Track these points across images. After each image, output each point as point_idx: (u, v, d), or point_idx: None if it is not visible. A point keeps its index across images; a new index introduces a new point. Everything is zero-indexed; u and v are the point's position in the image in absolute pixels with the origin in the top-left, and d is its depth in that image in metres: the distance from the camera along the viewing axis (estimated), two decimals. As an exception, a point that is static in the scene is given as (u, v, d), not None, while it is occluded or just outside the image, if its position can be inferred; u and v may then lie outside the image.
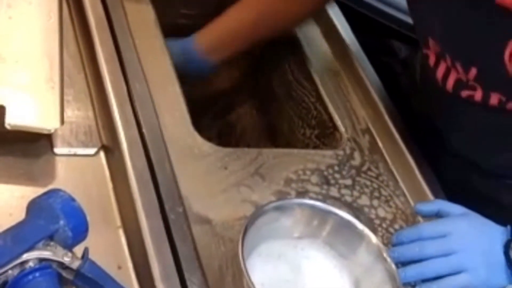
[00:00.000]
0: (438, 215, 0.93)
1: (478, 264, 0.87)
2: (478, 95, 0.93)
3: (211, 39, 1.15)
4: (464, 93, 0.94)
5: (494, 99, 0.91)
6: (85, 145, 0.90)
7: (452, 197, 0.98)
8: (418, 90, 1.14)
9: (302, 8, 1.16)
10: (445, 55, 0.94)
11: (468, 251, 0.87)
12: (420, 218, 0.97)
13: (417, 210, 0.96)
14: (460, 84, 0.94)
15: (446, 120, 1.05)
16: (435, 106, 1.06)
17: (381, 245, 0.83)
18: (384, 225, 0.95)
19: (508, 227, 0.89)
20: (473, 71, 0.90)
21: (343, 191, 0.97)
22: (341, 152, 1.03)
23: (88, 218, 0.74)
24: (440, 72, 0.97)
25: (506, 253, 0.87)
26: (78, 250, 0.73)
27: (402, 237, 0.90)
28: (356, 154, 1.04)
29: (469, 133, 1.01)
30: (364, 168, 1.02)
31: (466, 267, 0.86)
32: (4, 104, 0.80)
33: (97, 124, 0.92)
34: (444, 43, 0.93)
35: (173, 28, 1.15)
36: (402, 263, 0.86)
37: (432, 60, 0.98)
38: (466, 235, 0.89)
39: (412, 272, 0.85)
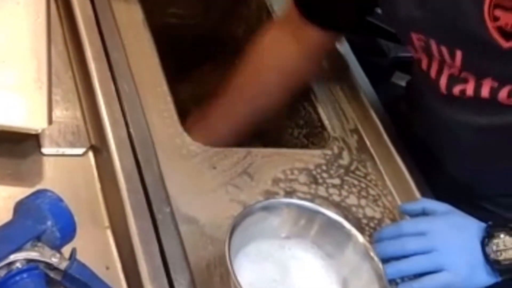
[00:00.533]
0: (424, 214, 0.93)
1: (459, 262, 0.87)
2: (470, 87, 0.93)
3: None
4: (457, 89, 0.95)
5: (485, 88, 0.92)
6: (73, 145, 0.89)
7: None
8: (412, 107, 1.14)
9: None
10: (430, 45, 0.94)
11: (449, 249, 0.87)
12: (408, 218, 0.97)
13: (402, 210, 0.96)
14: (452, 80, 0.95)
15: (438, 135, 1.05)
16: (426, 118, 1.07)
17: (367, 245, 0.83)
18: (371, 225, 0.96)
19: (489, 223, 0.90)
20: (459, 55, 0.91)
21: (331, 190, 0.98)
22: (329, 152, 1.04)
23: (76, 218, 0.74)
24: (433, 71, 0.97)
25: (483, 249, 0.87)
26: (66, 250, 0.73)
27: (383, 234, 0.90)
28: (344, 154, 1.04)
29: (460, 146, 1.02)
30: (352, 168, 1.03)
31: (447, 265, 0.87)
32: (-8, 104, 0.81)
33: (85, 124, 0.92)
34: (426, 28, 0.93)
35: (161, 27, 1.15)
36: (383, 260, 0.86)
37: (424, 63, 0.98)
38: (447, 233, 0.89)
39: (393, 269, 0.85)
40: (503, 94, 0.91)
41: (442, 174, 1.06)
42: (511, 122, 0.94)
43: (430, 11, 0.91)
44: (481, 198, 1.07)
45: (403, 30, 0.99)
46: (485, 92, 0.92)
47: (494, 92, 0.92)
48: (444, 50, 0.93)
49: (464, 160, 1.03)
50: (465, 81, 0.94)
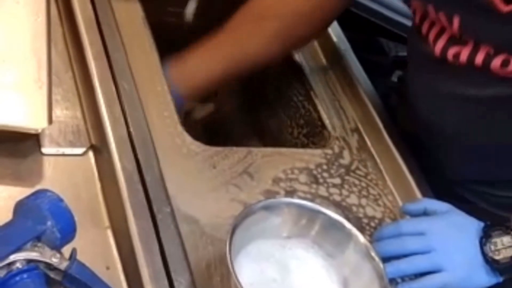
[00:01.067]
0: (425, 214, 0.93)
1: (458, 262, 0.87)
2: (465, 51, 0.91)
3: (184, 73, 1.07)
4: (451, 52, 0.92)
5: (481, 54, 0.90)
6: (73, 145, 0.89)
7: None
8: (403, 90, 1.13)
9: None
10: (428, 12, 0.93)
11: (447, 249, 0.87)
12: (408, 217, 0.97)
13: (405, 210, 0.96)
14: (451, 41, 0.93)
15: (426, 113, 1.03)
16: (416, 100, 1.05)
17: (368, 245, 0.83)
18: (372, 224, 0.96)
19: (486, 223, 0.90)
20: (456, 21, 0.89)
21: (332, 190, 0.98)
22: (329, 151, 1.03)
23: (76, 218, 0.74)
24: (432, 35, 0.95)
25: (481, 249, 0.87)
26: (66, 250, 0.73)
27: (382, 234, 0.90)
28: (345, 153, 1.04)
29: (448, 124, 1.01)
30: (353, 167, 1.02)
31: (446, 265, 0.87)
32: (-8, 104, 0.80)
33: (85, 124, 0.92)
34: None
35: (161, 26, 1.15)
36: (383, 259, 0.86)
37: (425, 27, 0.96)
38: (446, 233, 0.89)
39: (392, 268, 0.85)
40: (496, 62, 0.89)
41: (431, 160, 1.05)
42: (500, 94, 0.92)
43: None
44: (470, 191, 1.07)
45: None
46: (479, 59, 0.90)
47: (488, 59, 0.89)
48: (442, 16, 0.91)
49: (452, 142, 1.02)
50: (464, 43, 0.91)
